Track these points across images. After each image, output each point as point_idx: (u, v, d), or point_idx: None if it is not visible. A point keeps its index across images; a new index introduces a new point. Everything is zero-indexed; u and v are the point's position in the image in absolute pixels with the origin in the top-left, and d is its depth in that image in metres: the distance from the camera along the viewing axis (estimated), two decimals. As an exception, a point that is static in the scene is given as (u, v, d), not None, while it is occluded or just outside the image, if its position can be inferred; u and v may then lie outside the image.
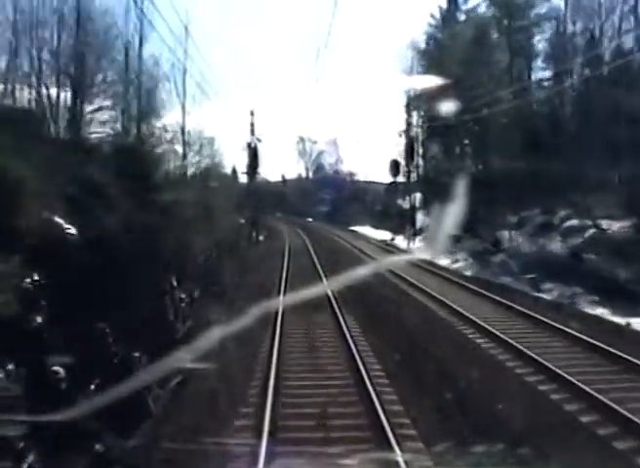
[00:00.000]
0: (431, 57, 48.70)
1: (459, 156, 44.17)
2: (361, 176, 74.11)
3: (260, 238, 44.62)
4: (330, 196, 76.31)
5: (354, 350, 11.83)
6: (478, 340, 13.06)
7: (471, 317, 15.04)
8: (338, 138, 75.41)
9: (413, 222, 38.31)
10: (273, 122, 79.31)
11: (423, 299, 18.40)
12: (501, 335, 12.68)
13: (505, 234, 31.66)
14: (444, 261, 28.04)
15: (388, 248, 35.12)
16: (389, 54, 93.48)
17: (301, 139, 75.33)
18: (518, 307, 16.01)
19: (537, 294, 19.51)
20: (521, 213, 34.04)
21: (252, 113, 38.69)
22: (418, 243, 35.75)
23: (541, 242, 30.20)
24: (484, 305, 17.17)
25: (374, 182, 71.51)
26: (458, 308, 16.14)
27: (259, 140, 38.34)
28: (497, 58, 38.67)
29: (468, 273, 24.50)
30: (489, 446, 6.14)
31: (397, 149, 47.53)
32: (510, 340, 12.28)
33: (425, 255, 31.99)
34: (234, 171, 41.60)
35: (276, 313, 14.91)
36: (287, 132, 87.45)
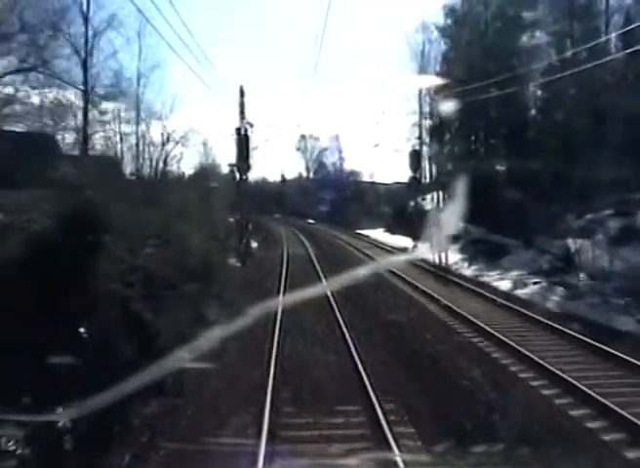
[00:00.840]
0: (452, 33, 40.54)
1: (491, 146, 35.82)
2: (365, 176, 67.28)
3: (254, 245, 36.19)
4: (332, 196, 69.06)
5: None
6: None
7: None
8: (340, 135, 67.31)
9: (440, 226, 29.77)
10: (272, 119, 70.87)
11: (529, 378, 9.96)
12: None
13: (573, 244, 23.20)
14: (502, 283, 19.58)
15: (414, 260, 26.61)
16: (392, 43, 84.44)
17: (302, 137, 67.06)
18: None
19: None
20: (587, 215, 25.64)
21: (242, 93, 30.24)
22: (451, 253, 27.24)
23: (625, 254, 21.82)
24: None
25: (377, 183, 65.71)
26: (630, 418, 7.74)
27: (250, 125, 29.97)
28: (545, 20, 30.26)
29: (552, 305, 16.01)
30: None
31: (410, 143, 39.24)
32: None
33: (469, 272, 23.67)
34: (233, 170, 34.05)
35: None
36: (287, 129, 79.16)
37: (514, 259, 22.67)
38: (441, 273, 22.33)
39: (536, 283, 18.51)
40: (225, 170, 35.63)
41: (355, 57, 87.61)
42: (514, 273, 20.70)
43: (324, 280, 18.56)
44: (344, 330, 13.18)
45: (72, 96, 19.83)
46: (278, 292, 16.40)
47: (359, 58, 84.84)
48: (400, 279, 21.08)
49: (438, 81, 38.08)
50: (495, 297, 16.71)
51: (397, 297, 17.47)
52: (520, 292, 17.68)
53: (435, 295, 17.21)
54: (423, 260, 27.01)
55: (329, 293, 17.50)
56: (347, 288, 18.55)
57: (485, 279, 20.54)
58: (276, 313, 13.54)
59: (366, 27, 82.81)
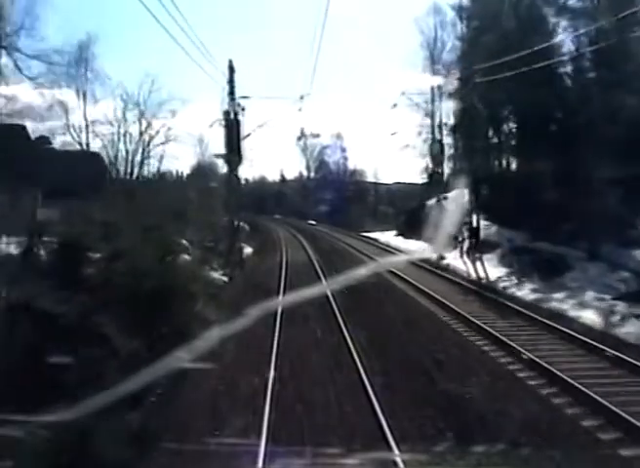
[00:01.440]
0: (471, 11, 34.74)
1: (524, 138, 29.91)
2: (369, 175, 62.31)
3: (248, 250, 30.33)
4: (333, 196, 63.76)
5: None
6: None
7: None
8: (342, 133, 61.74)
9: (475, 232, 23.75)
10: (271, 117, 64.72)
11: None
12: None
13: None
14: (584, 315, 13.61)
15: (445, 274, 20.74)
16: (399, 33, 77.76)
17: (303, 135, 61.21)
18: None
19: None
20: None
21: (231, 69, 24.34)
22: (488, 265, 21.44)
23: None
24: None
25: (378, 183, 60.69)
26: None
27: (242, 109, 24.16)
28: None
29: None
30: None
31: (421, 138, 33.44)
32: None
33: (524, 293, 17.79)
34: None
35: None
36: (287, 127, 73.33)
37: (581, 276, 16.87)
38: (487, 294, 16.49)
39: (638, 316, 12.65)
40: (225, 168, 30.16)
41: (359, 50, 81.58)
42: (589, 296, 14.92)
43: (336, 310, 12.75)
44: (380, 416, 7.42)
45: None
46: (272, 336, 10.57)
47: (363, 53, 78.88)
48: (436, 302, 15.30)
49: (454, 68, 32.69)
50: (591, 341, 10.89)
51: (443, 339, 11.68)
52: (623, 333, 11.76)
53: (500, 336, 11.45)
54: (455, 272, 21.20)
55: (343, 328, 11.77)
56: (367, 319, 12.86)
57: (553, 305, 14.64)
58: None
59: (368, 20, 76.83)
